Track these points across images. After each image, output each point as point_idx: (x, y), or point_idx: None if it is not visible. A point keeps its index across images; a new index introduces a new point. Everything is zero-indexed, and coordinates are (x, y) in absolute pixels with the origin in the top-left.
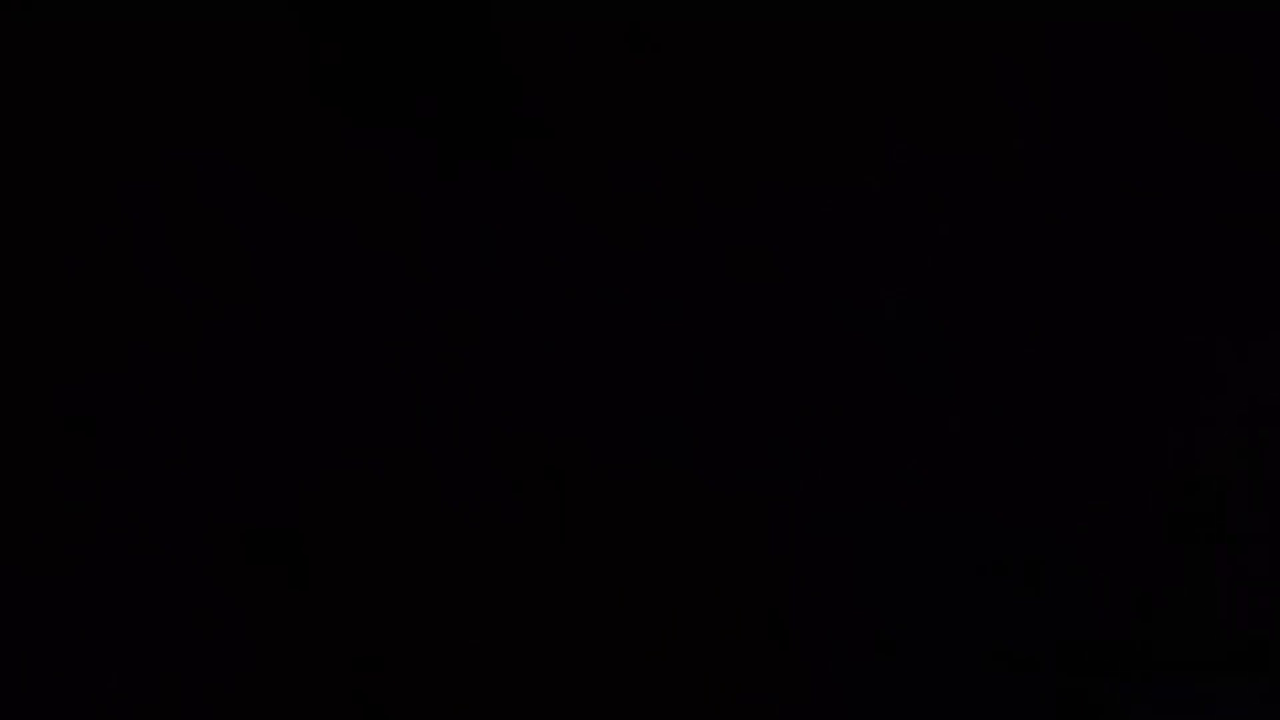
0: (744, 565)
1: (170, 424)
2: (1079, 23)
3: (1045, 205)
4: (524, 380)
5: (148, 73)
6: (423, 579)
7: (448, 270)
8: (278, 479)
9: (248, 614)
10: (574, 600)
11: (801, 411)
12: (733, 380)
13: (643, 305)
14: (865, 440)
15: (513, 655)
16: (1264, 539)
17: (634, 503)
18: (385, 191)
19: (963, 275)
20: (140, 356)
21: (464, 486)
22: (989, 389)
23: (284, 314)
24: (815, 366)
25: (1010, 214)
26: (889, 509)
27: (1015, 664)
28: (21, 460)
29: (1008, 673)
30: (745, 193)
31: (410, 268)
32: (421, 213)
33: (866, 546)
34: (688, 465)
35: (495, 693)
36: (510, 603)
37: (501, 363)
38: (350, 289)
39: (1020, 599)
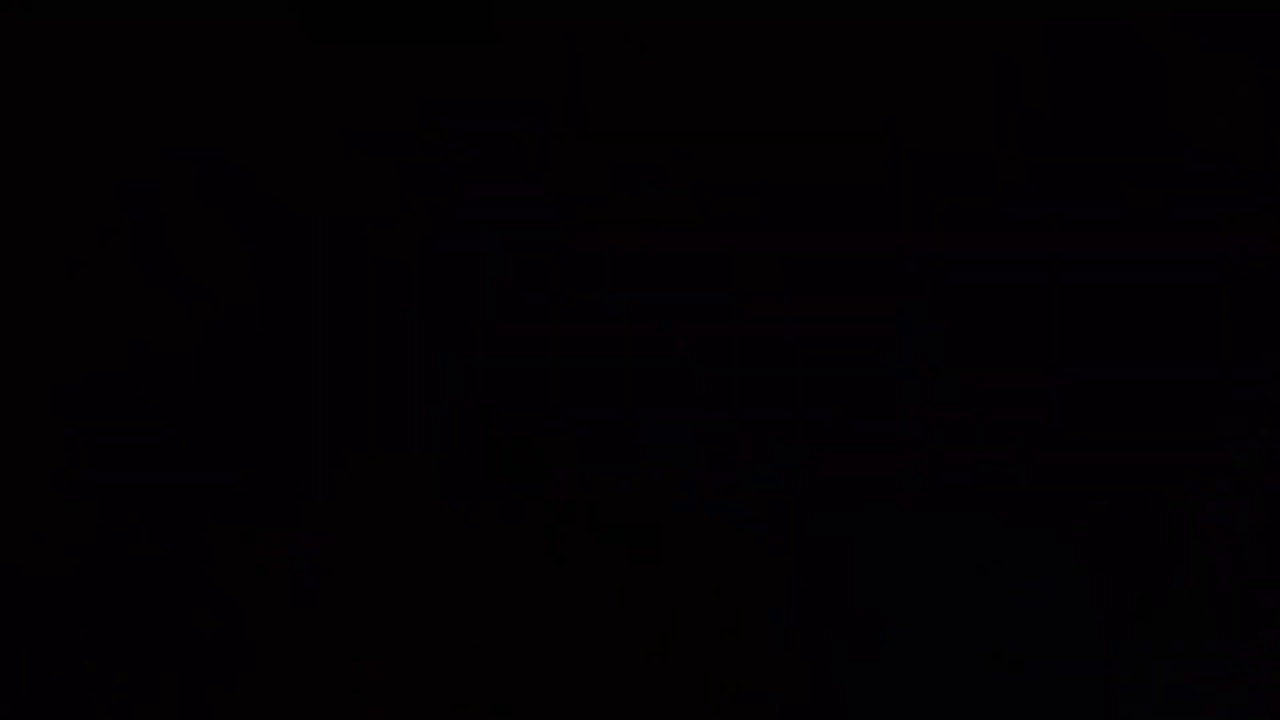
0: (743, 565)
1: (170, 424)
2: (1079, 23)
3: (1045, 205)
4: (522, 377)
5: (148, 73)
6: (422, 579)
7: (449, 272)
8: (277, 478)
9: (247, 614)
10: (573, 600)
11: (801, 411)
12: (732, 379)
13: (643, 304)
14: (865, 440)
15: (512, 655)
16: (1264, 539)
17: (634, 502)
18: (385, 190)
19: (963, 275)
20: (140, 356)
21: (463, 485)
22: (989, 388)
23: (284, 313)
24: (815, 366)
25: (1009, 213)
26: (889, 509)
27: (1015, 664)
28: (21, 460)
29: (1007, 673)
30: (745, 192)
31: (410, 269)
32: (423, 212)
33: (866, 546)
34: (687, 464)
35: (495, 693)
36: (509, 602)
37: (500, 362)
38: (350, 290)
39: (1020, 599)
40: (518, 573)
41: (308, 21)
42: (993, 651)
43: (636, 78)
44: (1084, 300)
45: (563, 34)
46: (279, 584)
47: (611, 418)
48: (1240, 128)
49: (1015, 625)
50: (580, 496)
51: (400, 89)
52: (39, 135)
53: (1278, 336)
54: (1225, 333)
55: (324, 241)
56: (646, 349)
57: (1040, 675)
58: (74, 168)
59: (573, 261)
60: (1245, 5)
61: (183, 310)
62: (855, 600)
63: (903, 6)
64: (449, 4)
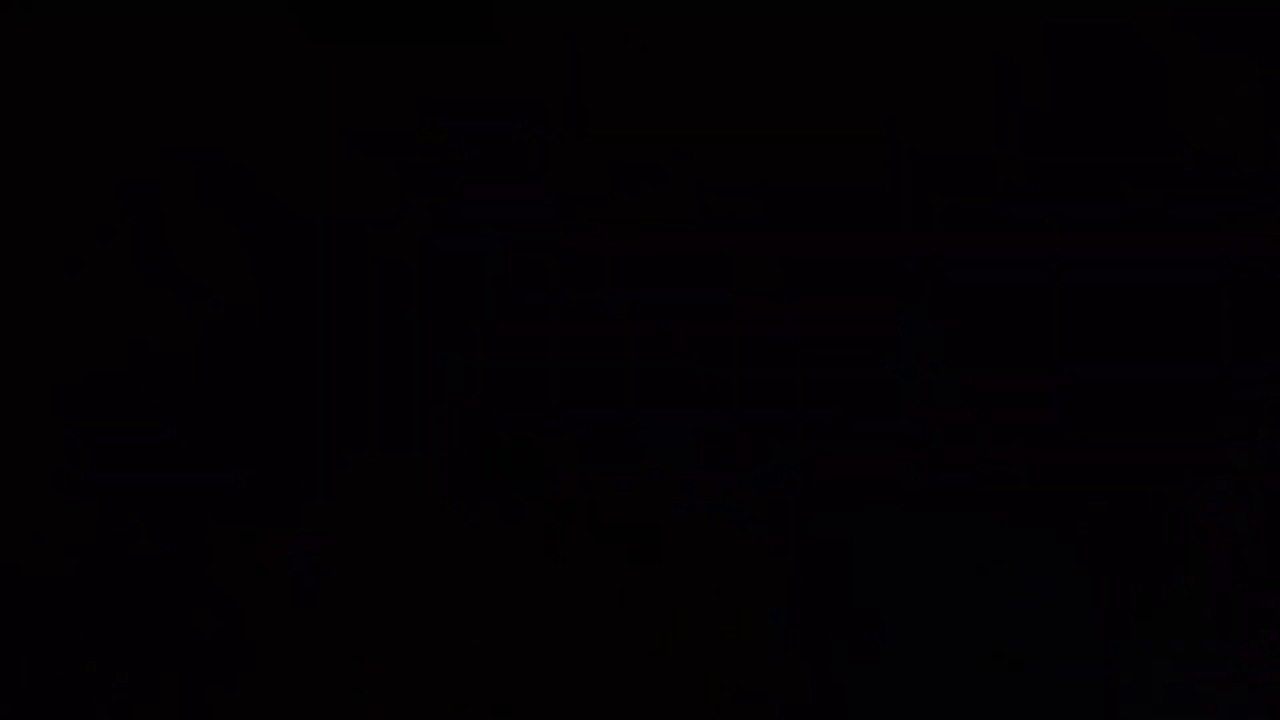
0: (743, 565)
1: (170, 424)
2: (1079, 23)
3: (1045, 205)
4: (522, 377)
5: (148, 73)
6: (422, 578)
7: (449, 272)
8: (278, 478)
9: (247, 614)
10: (573, 600)
11: (801, 411)
12: (732, 379)
13: (643, 304)
14: (865, 440)
15: (512, 655)
16: (1264, 539)
17: (634, 502)
18: (385, 190)
19: (963, 275)
20: (140, 356)
21: (463, 485)
22: (989, 388)
23: (284, 313)
24: (815, 366)
25: (1009, 213)
26: (889, 509)
27: (1015, 664)
28: (21, 460)
29: (1007, 673)
30: (745, 192)
31: (410, 269)
32: (423, 212)
33: (866, 546)
34: (687, 464)
35: (495, 693)
36: (509, 602)
37: (500, 362)
38: (350, 290)
39: (1020, 599)
40: (518, 573)
41: (308, 21)
42: (993, 651)
43: (636, 78)
44: (1084, 300)
45: (563, 34)
46: (279, 584)
47: (611, 418)
48: (1240, 128)
49: (1015, 625)
50: (580, 496)
51: (400, 89)
52: (39, 135)
53: (1278, 336)
54: (1225, 333)
55: (324, 241)
56: (646, 349)
57: (1040, 675)
58: (74, 168)
59: (573, 261)
60: (1245, 5)
61: (183, 310)
62: (855, 600)
63: (903, 6)
64: (449, 4)
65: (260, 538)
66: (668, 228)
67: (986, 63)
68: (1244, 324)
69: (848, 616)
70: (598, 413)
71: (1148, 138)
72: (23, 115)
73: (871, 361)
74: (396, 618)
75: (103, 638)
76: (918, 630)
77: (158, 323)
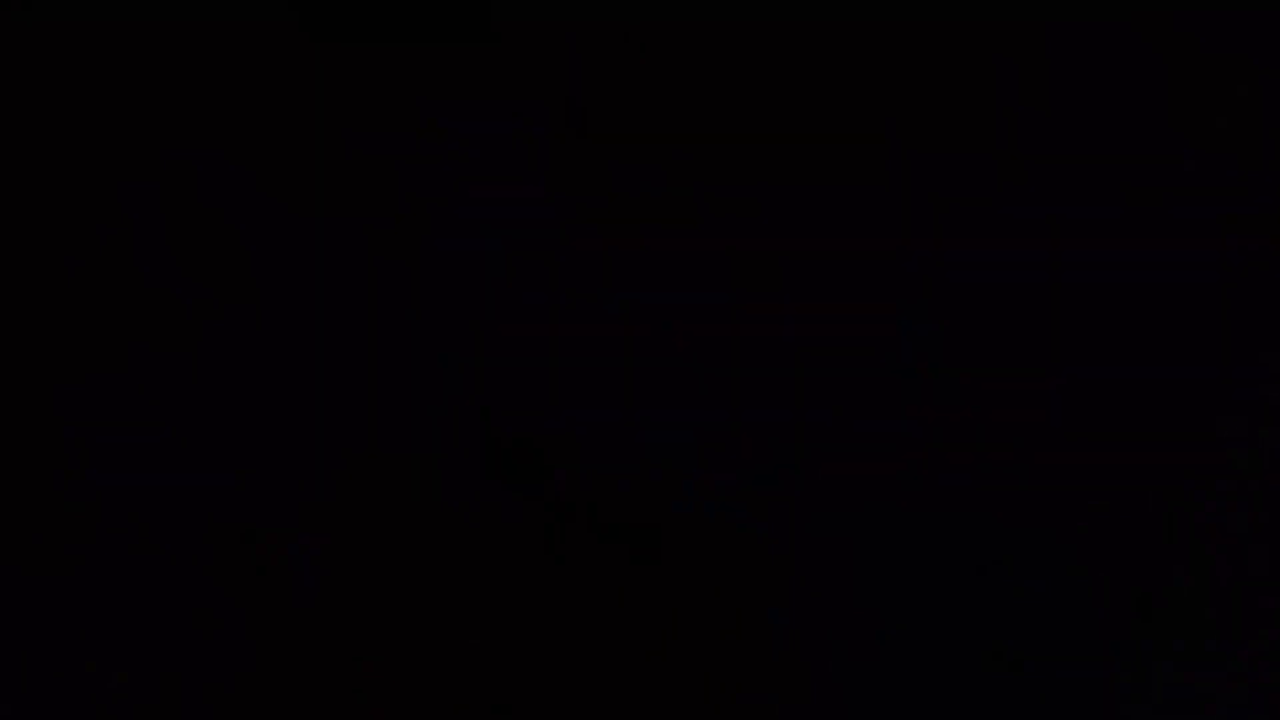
0: (743, 565)
1: (170, 424)
2: (1079, 23)
3: (1045, 205)
4: (522, 377)
5: (148, 73)
6: (422, 578)
7: (449, 272)
8: (278, 478)
9: (247, 614)
10: (573, 600)
11: (801, 411)
12: (732, 379)
13: (643, 304)
14: (865, 440)
15: (512, 655)
16: (1264, 539)
17: (634, 502)
18: (385, 190)
19: (963, 275)
20: (140, 356)
21: (463, 485)
22: (989, 388)
23: (284, 313)
24: (815, 366)
25: (1009, 213)
26: (889, 509)
27: (1015, 664)
28: (21, 460)
29: (1007, 673)
30: (745, 192)
31: (410, 269)
32: (423, 212)
33: (866, 546)
34: (687, 464)
35: (495, 693)
36: (509, 602)
37: (500, 362)
38: (350, 290)
39: (1020, 599)
40: (518, 573)
41: (308, 21)
42: (993, 651)
43: (636, 78)
44: (1084, 300)
45: (563, 34)
46: (279, 584)
47: (611, 418)
48: (1240, 128)
49: (1015, 625)
50: (580, 496)
51: (400, 89)
52: (39, 135)
53: (1278, 336)
54: (1225, 333)
55: (324, 241)
56: (646, 349)
57: (1040, 675)
58: (74, 168)
59: (573, 261)
60: (1245, 5)
61: (183, 310)
62: (855, 600)
63: (903, 6)
64: (449, 4)
65: (260, 538)
66: (668, 228)
67: (986, 63)
68: (1244, 324)
69: (848, 616)
70: (598, 413)
71: (1148, 138)
72: (23, 115)
73: (871, 361)
74: (396, 618)
75: (103, 638)
76: (918, 630)
77: (158, 323)
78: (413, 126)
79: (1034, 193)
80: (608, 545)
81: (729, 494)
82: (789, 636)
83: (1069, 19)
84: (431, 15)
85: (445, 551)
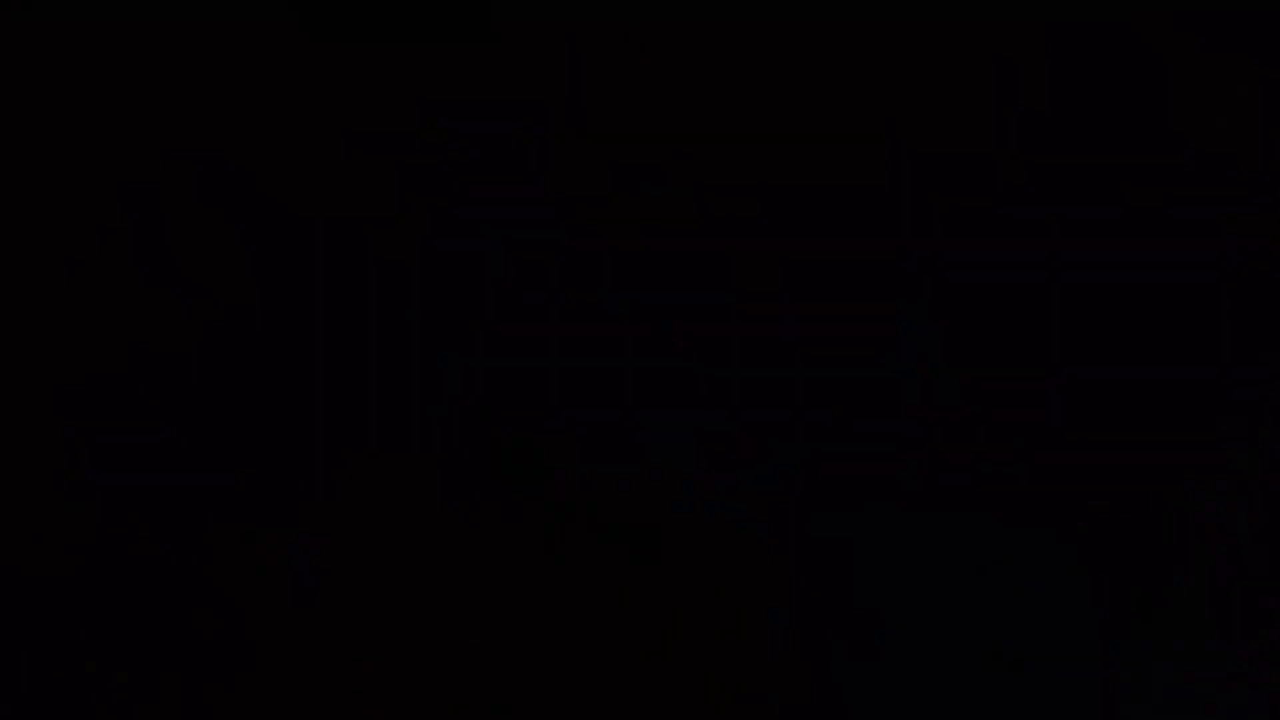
0: (743, 565)
1: (170, 424)
2: (1079, 23)
3: (1045, 205)
4: (522, 377)
5: (148, 73)
6: (422, 578)
7: (449, 272)
8: (278, 478)
9: (247, 614)
10: (573, 600)
11: (801, 411)
12: (732, 379)
13: (643, 304)
14: (865, 440)
15: (512, 655)
16: (1264, 539)
17: (634, 502)
18: (385, 190)
19: (963, 275)
20: (140, 356)
21: (463, 485)
22: (989, 388)
23: (284, 313)
24: (815, 366)
25: (1009, 213)
26: (889, 509)
27: (1015, 664)
28: (21, 460)
29: (1007, 673)
30: (745, 192)
31: (410, 269)
32: (423, 212)
33: (866, 546)
34: (687, 464)
35: (495, 693)
36: (509, 602)
37: (500, 362)
38: (350, 290)
39: (1020, 599)
40: (518, 573)
41: (308, 21)
42: (993, 651)
43: (636, 78)
44: (1084, 300)
45: (563, 34)
46: (279, 584)
47: (611, 418)
48: (1240, 128)
49: (1015, 625)
50: (580, 496)
51: (400, 89)
52: (39, 135)
53: (1278, 336)
54: (1225, 333)
55: (324, 241)
56: (646, 349)
57: (1040, 675)
58: (74, 168)
59: (573, 261)
60: (1245, 5)
61: (183, 310)
62: (855, 600)
63: (903, 6)
64: (449, 4)
65: (260, 538)
66: (668, 228)
67: (986, 63)
68: (1244, 324)
69: (848, 616)
70: (598, 413)
71: (1148, 138)
72: (23, 115)
73: (871, 361)
74: (396, 618)
75: (103, 638)
76: (918, 630)
77: (158, 323)
78: (413, 126)
79: (1034, 193)
80: (608, 545)
81: (729, 494)
82: (789, 636)
83: (1069, 19)
84: (431, 15)
85: (445, 551)
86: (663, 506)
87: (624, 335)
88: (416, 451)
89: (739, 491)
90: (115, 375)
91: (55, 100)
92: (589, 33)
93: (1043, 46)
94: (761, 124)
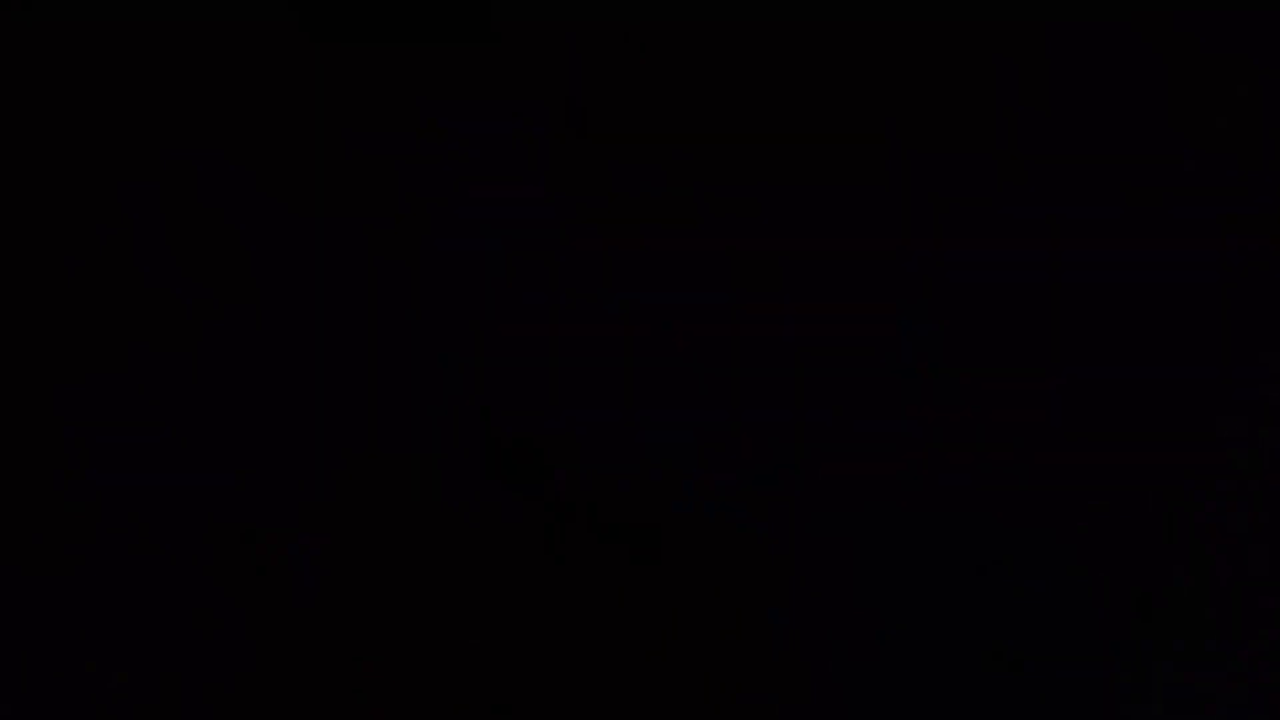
0: (743, 565)
1: (170, 424)
2: (1079, 23)
3: (1045, 205)
4: (522, 377)
5: (148, 73)
6: (422, 578)
7: (449, 272)
8: (278, 478)
9: (247, 614)
10: (573, 600)
11: (801, 411)
12: (732, 379)
13: (643, 304)
14: (865, 440)
15: (512, 655)
16: (1264, 539)
17: (634, 502)
18: (385, 190)
19: (963, 275)
20: (140, 356)
21: (463, 485)
22: (989, 388)
23: (284, 313)
24: (815, 366)
25: (1009, 213)
26: (889, 509)
27: (1015, 664)
28: (21, 460)
29: (1007, 673)
30: (745, 192)
31: (410, 269)
32: (423, 212)
33: (866, 546)
34: (687, 464)
35: (495, 693)
36: (509, 602)
37: (500, 362)
38: (350, 290)
39: (1020, 599)
40: (518, 573)
41: (308, 21)
42: (993, 651)
43: (636, 78)
44: (1084, 300)
45: (563, 34)
46: (279, 584)
47: (611, 418)
48: (1240, 128)
49: (1015, 625)
50: (580, 496)
51: (400, 89)
52: (39, 135)
53: (1278, 336)
54: (1225, 333)
55: (324, 241)
56: (646, 349)
57: (1040, 675)
58: (74, 168)
59: (573, 261)
60: (1245, 5)
61: (183, 310)
62: (855, 600)
63: (903, 6)
64: (449, 4)
65: (260, 538)
66: (668, 228)
67: (986, 63)
68: (1244, 324)
69: (848, 616)
70: (598, 413)
71: (1148, 138)
72: (23, 115)
73: (871, 361)
74: (396, 618)
75: (103, 638)
76: (918, 630)
77: (158, 323)
78: (413, 126)
79: (1034, 193)
80: (608, 545)
81: (729, 494)
82: (789, 636)
83: (1069, 19)
84: (431, 15)
85: (445, 551)
86: (663, 506)
87: (624, 335)
88: (416, 451)
89: (739, 491)
90: (115, 375)
91: (55, 100)
92: (589, 33)
93: (1043, 46)
94: (761, 124)
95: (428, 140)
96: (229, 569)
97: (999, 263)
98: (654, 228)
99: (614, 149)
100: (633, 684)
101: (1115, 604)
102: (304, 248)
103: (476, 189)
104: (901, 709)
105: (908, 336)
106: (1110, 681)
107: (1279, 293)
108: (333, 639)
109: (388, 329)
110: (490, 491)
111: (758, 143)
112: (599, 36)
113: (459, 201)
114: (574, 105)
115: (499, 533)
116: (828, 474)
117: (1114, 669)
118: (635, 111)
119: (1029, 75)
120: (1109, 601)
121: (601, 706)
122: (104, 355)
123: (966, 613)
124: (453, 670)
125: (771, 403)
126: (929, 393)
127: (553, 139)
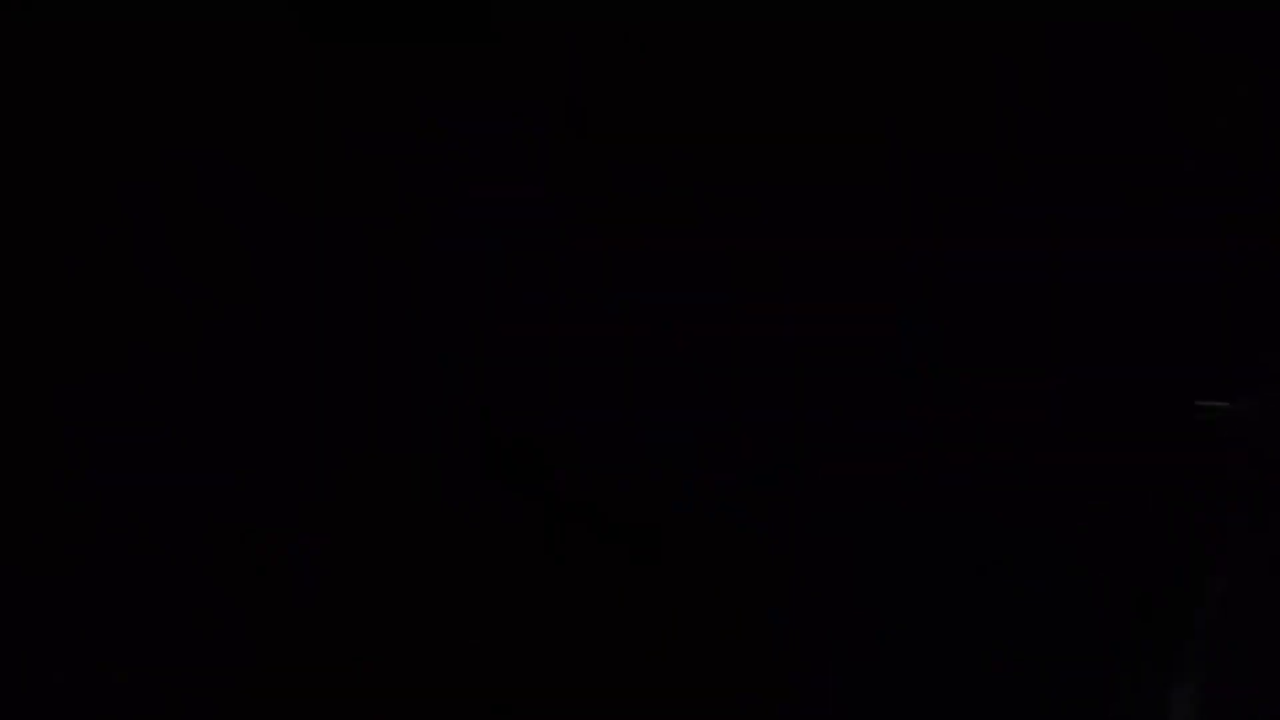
0: (743, 565)
1: (170, 424)
2: (1079, 23)
3: (1045, 205)
4: (522, 377)
5: (148, 73)
6: (422, 578)
7: (449, 272)
8: (278, 478)
9: (247, 614)
10: (573, 600)
11: (801, 411)
12: (732, 379)
13: (643, 304)
14: (865, 440)
15: (512, 655)
16: (1264, 539)
17: (634, 502)
18: (385, 190)
19: (963, 275)
20: (140, 356)
21: (463, 485)
22: (989, 388)
23: (284, 313)
24: (815, 366)
25: (1009, 213)
26: (889, 509)
27: (1015, 664)
28: (21, 460)
29: (1007, 673)
30: (745, 192)
31: (410, 269)
32: (423, 212)
33: (866, 546)
34: (687, 464)
35: (495, 693)
36: (509, 602)
37: (500, 362)
38: (350, 290)
39: (1020, 599)
40: (518, 573)
41: (308, 21)
42: (993, 651)
43: (636, 78)
44: (1084, 300)
45: (563, 34)
46: (279, 584)
47: (611, 418)
48: (1240, 128)
49: (1015, 625)
50: (580, 496)
51: (400, 89)
52: (39, 135)
53: (1278, 336)
54: (1225, 333)
55: (324, 241)
56: (646, 349)
57: (1040, 675)
58: (74, 168)
59: (573, 261)
60: (1245, 5)
61: (183, 310)
62: (855, 600)
63: (903, 6)
64: (449, 4)
65: (260, 538)
66: (668, 228)
67: (986, 63)
68: (1244, 324)
69: (848, 616)
70: (598, 413)
71: (1148, 138)
72: (23, 115)
73: (871, 361)
74: (396, 618)
75: (103, 638)
76: (918, 630)
77: (158, 323)
78: (413, 126)
79: (1034, 193)
80: (608, 545)
81: (729, 494)
82: (789, 636)
83: (1069, 19)
84: (431, 15)
85: (445, 551)
86: (663, 506)
87: (624, 335)
88: (416, 451)
89: (739, 491)
90: (115, 375)
91: (55, 100)
92: (589, 33)
93: (1043, 46)
94: (761, 124)
95: (428, 140)
96: (229, 569)
97: (999, 263)
98: (654, 228)
99: (614, 149)
100: (633, 684)
101: (1115, 604)
102: (304, 248)
103: (476, 189)
104: (902, 709)
105: (908, 336)
106: (1110, 681)
107: (1279, 293)
108: (333, 639)
109: (388, 329)
110: (490, 491)
111: (758, 143)
112: (599, 36)
113: (459, 201)
114: (574, 105)
115: (499, 533)
116: (828, 474)
117: (1114, 669)
118: (635, 111)
119: (1029, 75)
120: (1109, 601)
121: (602, 706)
122: (104, 355)
123: (966, 613)
124: (453, 670)
125: (771, 403)
126: (929, 393)
127: (553, 139)
